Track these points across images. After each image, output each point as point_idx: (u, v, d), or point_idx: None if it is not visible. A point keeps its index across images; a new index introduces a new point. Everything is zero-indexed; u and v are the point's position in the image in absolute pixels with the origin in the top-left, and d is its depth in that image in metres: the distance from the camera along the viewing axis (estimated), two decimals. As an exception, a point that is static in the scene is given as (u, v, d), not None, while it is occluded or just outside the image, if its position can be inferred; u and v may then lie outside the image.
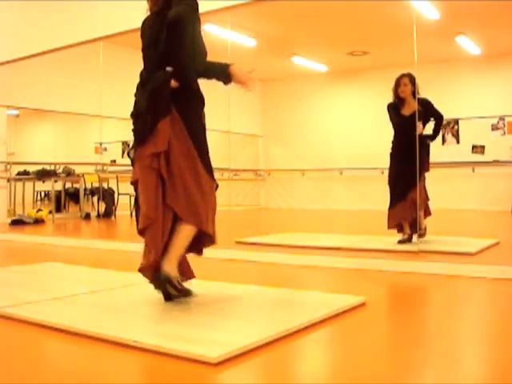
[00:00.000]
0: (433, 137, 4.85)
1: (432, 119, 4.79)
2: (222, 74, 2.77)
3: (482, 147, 8.64)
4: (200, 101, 2.66)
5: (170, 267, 2.49)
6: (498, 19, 7.04)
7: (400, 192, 4.64)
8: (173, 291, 2.53)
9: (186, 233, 2.54)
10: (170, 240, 2.54)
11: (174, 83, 2.50)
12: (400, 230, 4.71)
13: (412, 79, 4.67)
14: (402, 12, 5.12)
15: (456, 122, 8.73)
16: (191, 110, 2.59)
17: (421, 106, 4.61)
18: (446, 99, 8.23)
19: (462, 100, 8.68)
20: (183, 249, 2.57)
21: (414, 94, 4.66)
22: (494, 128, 8.70)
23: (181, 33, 2.48)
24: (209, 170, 2.62)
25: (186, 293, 2.62)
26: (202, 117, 2.66)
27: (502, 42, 8.04)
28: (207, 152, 2.64)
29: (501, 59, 8.49)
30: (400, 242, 4.60)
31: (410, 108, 4.64)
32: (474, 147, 8.69)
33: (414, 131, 4.47)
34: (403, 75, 4.71)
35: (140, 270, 2.54)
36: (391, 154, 4.81)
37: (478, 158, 8.60)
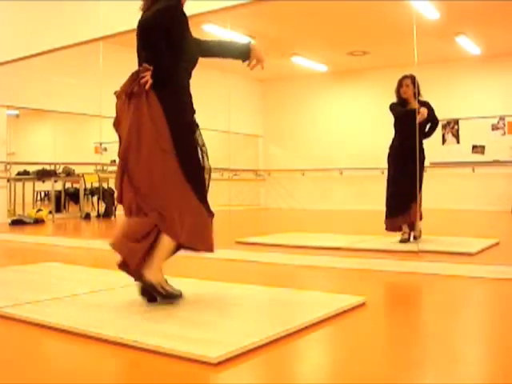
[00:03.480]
0: (424, 136, 4.84)
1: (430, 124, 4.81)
2: (240, 52, 2.87)
3: (482, 147, 8.64)
4: (189, 100, 2.62)
5: (151, 275, 2.47)
6: (498, 19, 7.04)
7: (402, 201, 4.65)
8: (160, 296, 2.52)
9: (166, 245, 2.50)
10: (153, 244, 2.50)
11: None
12: (399, 229, 4.74)
13: (414, 81, 4.69)
14: (402, 12, 5.12)
15: (456, 122, 8.73)
16: (178, 106, 2.56)
17: (422, 106, 4.63)
18: (445, 99, 8.24)
19: (462, 100, 8.69)
20: (164, 259, 2.53)
21: (415, 95, 4.68)
22: (494, 128, 8.70)
23: (148, 35, 2.52)
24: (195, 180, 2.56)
25: (174, 296, 2.55)
26: (190, 117, 2.62)
27: (501, 42, 8.04)
28: (192, 155, 2.58)
29: (501, 59, 8.49)
30: (402, 241, 4.65)
31: (412, 108, 4.66)
32: (474, 147, 8.69)
33: (415, 126, 4.47)
34: (405, 76, 4.74)
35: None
36: (390, 155, 4.83)
37: (478, 157, 8.60)
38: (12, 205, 8.73)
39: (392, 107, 4.81)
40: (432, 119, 4.76)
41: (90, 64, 6.23)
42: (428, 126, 4.80)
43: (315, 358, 1.98)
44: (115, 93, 2.61)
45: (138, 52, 2.65)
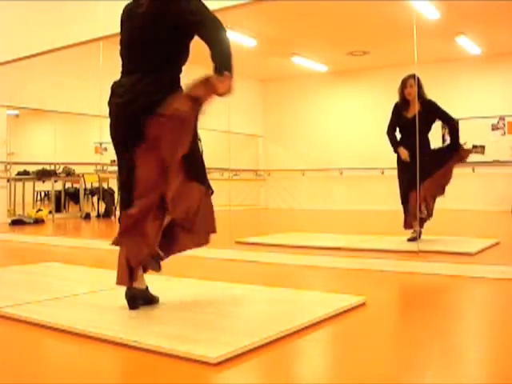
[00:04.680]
0: (451, 147, 4.78)
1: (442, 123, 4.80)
2: None
3: (482, 147, 8.64)
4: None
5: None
6: (498, 19, 7.04)
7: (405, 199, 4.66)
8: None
9: None
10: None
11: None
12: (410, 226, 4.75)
13: (418, 80, 4.66)
14: (402, 12, 5.12)
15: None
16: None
17: (423, 107, 4.60)
18: (446, 99, 8.18)
19: (462, 100, 8.68)
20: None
21: (418, 95, 4.64)
22: (494, 128, 8.70)
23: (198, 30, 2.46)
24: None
25: (155, 301, 2.55)
26: None
27: (502, 41, 8.04)
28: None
29: (501, 59, 8.49)
30: (409, 239, 4.65)
31: (415, 110, 4.61)
32: (474, 147, 8.68)
33: (417, 133, 4.46)
34: (409, 76, 4.68)
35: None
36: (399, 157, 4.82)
37: (478, 158, 8.59)
38: (12, 205, 8.73)
39: (393, 112, 4.79)
40: (441, 118, 4.72)
41: (89, 64, 6.23)
42: (447, 131, 4.78)
43: (315, 358, 1.98)
44: (170, 111, 2.37)
45: (142, 41, 2.50)
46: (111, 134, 2.58)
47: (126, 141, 2.49)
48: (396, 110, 4.79)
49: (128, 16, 2.61)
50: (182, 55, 2.57)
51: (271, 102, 11.11)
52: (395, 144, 4.77)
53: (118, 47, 2.65)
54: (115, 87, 2.55)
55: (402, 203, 4.79)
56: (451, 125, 4.80)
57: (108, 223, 8.51)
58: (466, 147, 4.85)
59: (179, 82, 2.56)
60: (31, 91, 8.00)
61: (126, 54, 2.57)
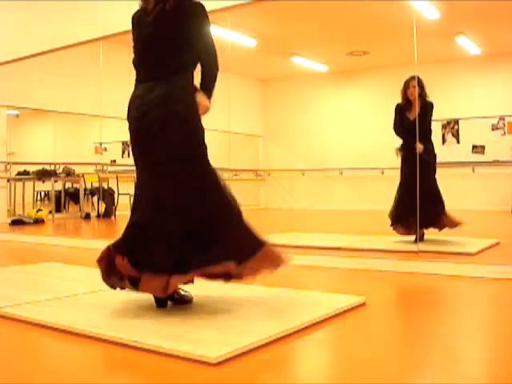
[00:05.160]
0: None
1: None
2: None
3: (482, 147, 8.64)
4: None
5: None
6: (498, 19, 7.04)
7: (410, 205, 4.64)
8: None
9: None
10: None
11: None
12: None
13: (420, 81, 4.66)
14: (401, 12, 5.12)
15: (456, 122, 8.73)
16: None
17: (422, 107, 4.59)
18: (446, 99, 8.24)
19: (462, 100, 8.69)
20: None
21: (419, 96, 4.64)
22: (494, 128, 8.70)
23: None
24: None
25: (186, 301, 2.59)
26: None
27: (502, 41, 8.04)
28: None
29: (501, 59, 8.49)
30: (416, 241, 4.63)
31: (416, 111, 4.61)
32: (474, 147, 8.69)
33: (419, 135, 4.46)
34: (411, 78, 4.68)
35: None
36: (402, 158, 4.81)
37: (478, 157, 8.60)
38: (12, 205, 8.73)
39: (396, 113, 4.79)
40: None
41: (89, 64, 6.23)
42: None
43: (315, 357, 1.98)
44: None
45: (151, 50, 2.53)
46: (132, 149, 2.58)
47: (143, 155, 2.50)
48: (399, 111, 4.79)
49: (137, 25, 2.62)
50: (191, 61, 2.56)
51: (271, 101, 11.11)
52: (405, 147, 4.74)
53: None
54: (132, 100, 2.54)
55: (389, 216, 4.76)
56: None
57: (108, 223, 8.51)
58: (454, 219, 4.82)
59: (192, 88, 2.54)
60: (31, 91, 8.00)
61: (138, 62, 2.59)
